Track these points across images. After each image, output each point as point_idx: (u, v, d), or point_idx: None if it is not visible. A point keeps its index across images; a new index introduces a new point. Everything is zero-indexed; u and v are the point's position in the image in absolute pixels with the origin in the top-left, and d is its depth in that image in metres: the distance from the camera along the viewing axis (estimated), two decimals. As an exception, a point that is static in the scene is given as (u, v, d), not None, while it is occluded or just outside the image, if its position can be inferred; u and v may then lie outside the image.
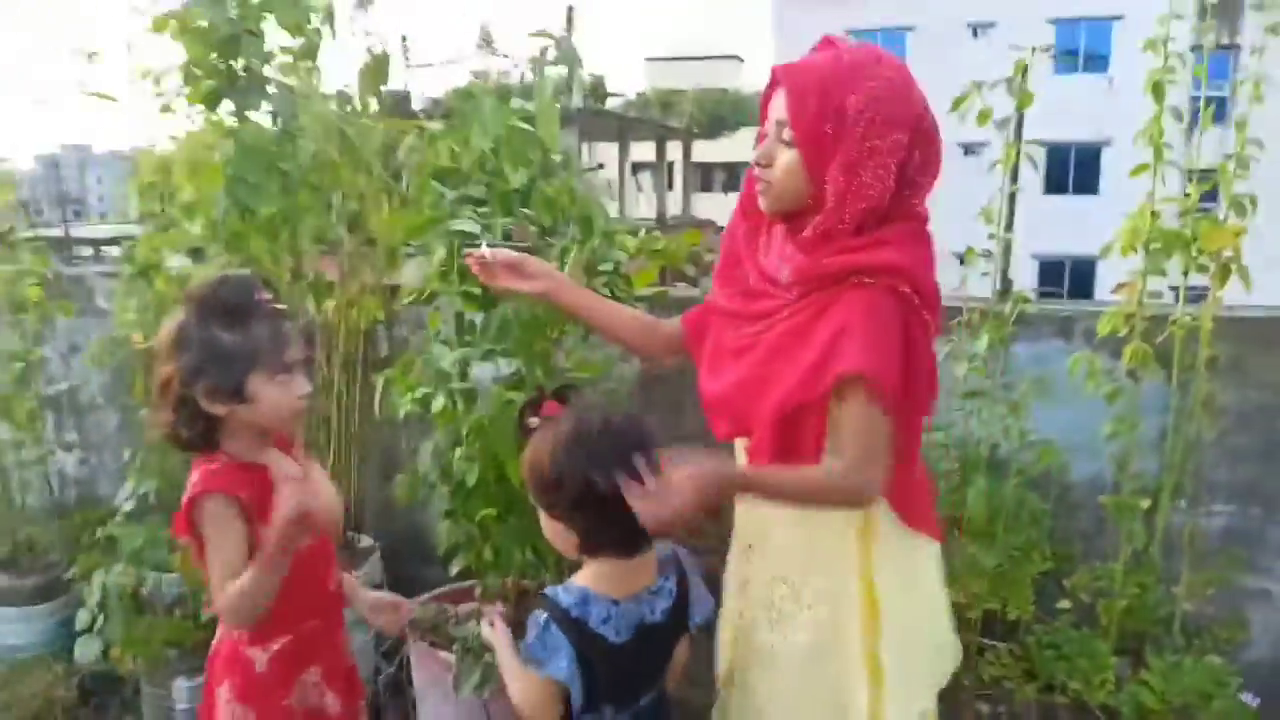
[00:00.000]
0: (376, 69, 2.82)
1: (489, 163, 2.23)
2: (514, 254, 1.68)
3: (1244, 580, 2.56)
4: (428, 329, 2.59)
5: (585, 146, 22.52)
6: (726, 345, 1.64)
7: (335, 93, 2.94)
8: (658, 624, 1.56)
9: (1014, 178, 2.55)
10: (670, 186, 31.90)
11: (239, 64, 2.60)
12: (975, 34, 26.25)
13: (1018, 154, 2.48)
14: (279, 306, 1.69)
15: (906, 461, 1.55)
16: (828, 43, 1.58)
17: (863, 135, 1.44)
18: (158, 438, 1.69)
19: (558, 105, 2.36)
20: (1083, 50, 24.88)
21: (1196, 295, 2.32)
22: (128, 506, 2.66)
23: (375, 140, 2.89)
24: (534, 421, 1.57)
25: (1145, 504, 2.34)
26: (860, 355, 1.41)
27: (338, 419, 2.97)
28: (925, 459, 1.75)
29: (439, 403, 2.18)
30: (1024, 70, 2.23)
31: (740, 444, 1.68)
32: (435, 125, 2.36)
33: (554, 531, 1.57)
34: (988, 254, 2.28)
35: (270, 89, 2.66)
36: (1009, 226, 2.61)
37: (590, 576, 1.57)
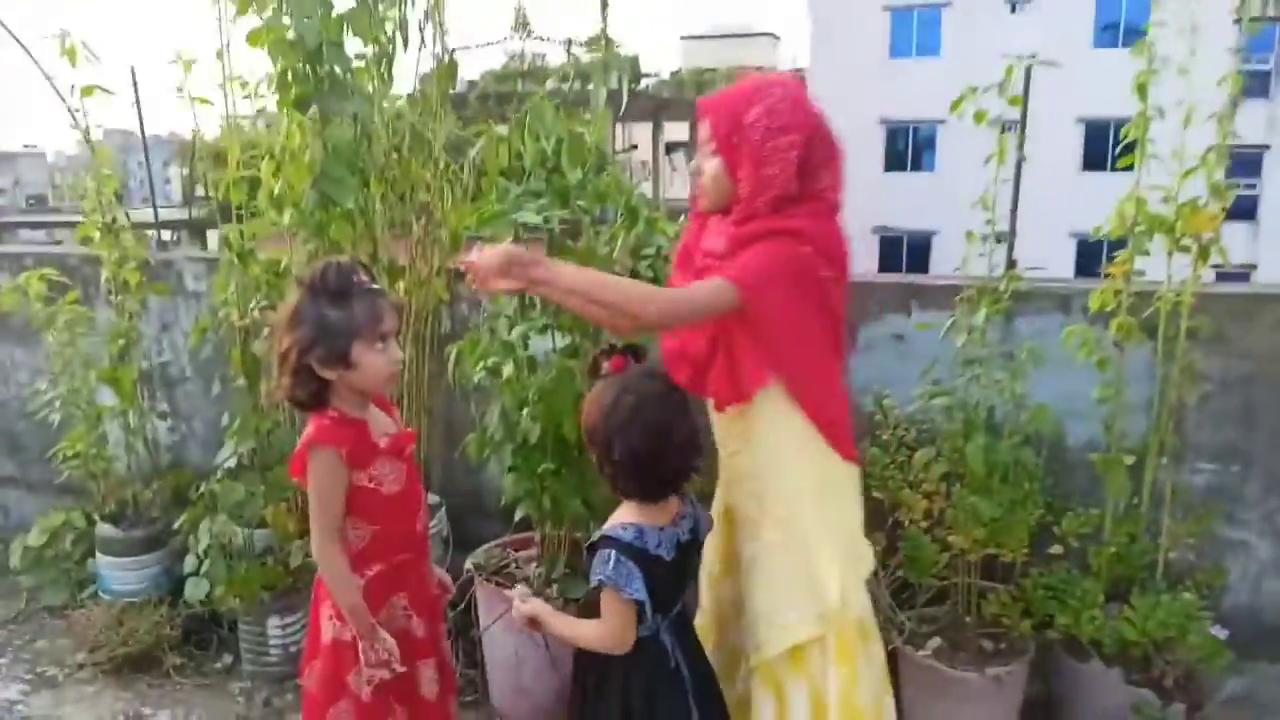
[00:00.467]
0: (445, 75, 3.15)
1: (549, 161, 2.54)
2: (500, 253, 1.83)
3: (1224, 532, 2.83)
4: (490, 306, 2.92)
5: (620, 126, 22.75)
6: None
7: (407, 95, 3.28)
8: (688, 541, 1.94)
9: (1018, 170, 2.83)
10: (704, 167, 32.00)
11: (324, 71, 2.93)
12: (1013, 9, 25.96)
13: (1021, 146, 2.75)
14: (374, 286, 2.02)
15: (837, 393, 2.03)
16: (742, 79, 2.04)
17: (761, 140, 1.89)
18: (279, 398, 2.03)
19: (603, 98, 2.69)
20: (1123, 24, 24.58)
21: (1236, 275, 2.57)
22: (230, 463, 3.02)
23: (442, 138, 3.23)
24: (605, 369, 1.91)
25: (1130, 460, 2.62)
26: (736, 269, 1.88)
27: (410, 389, 3.31)
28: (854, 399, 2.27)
29: (508, 369, 2.52)
30: (1010, 73, 2.49)
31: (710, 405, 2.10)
32: (501, 129, 2.68)
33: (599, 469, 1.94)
34: (986, 237, 2.56)
35: (350, 94, 2.99)
36: (1013, 210, 2.88)
37: (636, 512, 1.91)
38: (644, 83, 31.58)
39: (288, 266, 3.08)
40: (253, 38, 2.98)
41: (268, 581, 3.07)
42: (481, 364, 2.61)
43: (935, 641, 2.74)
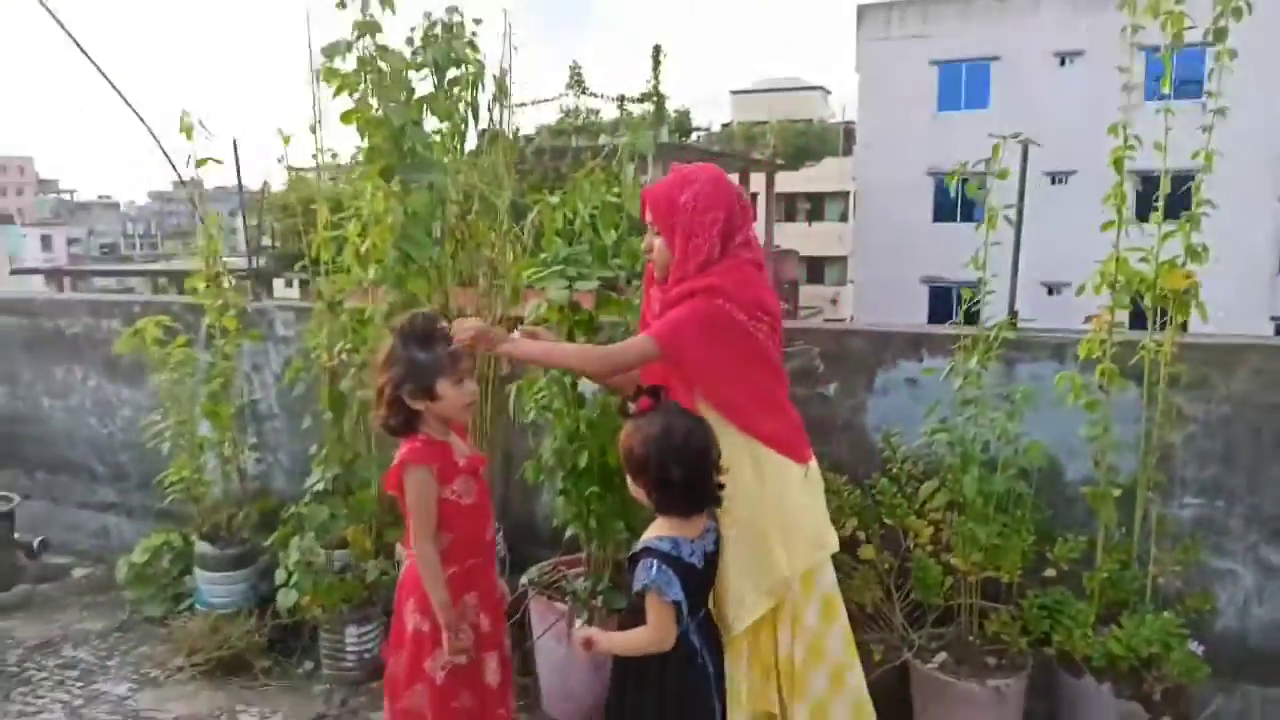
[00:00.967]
0: (509, 149, 3.59)
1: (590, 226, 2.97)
2: (472, 328, 2.42)
3: (1212, 562, 3.08)
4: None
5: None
6: None
7: (470, 151, 3.72)
8: (711, 551, 2.29)
9: (1018, 230, 3.17)
10: (753, 217, 32.47)
11: (406, 147, 3.39)
12: (1062, 63, 26.17)
13: (1020, 211, 3.10)
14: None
15: (774, 410, 2.46)
16: (674, 170, 2.54)
17: (689, 217, 2.40)
18: (377, 425, 2.43)
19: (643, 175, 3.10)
20: (1174, 77, 24.64)
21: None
22: (318, 487, 3.44)
23: (505, 203, 3.66)
24: (632, 409, 2.28)
25: (1118, 493, 2.90)
26: (661, 325, 2.41)
27: (473, 423, 3.70)
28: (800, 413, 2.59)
29: (559, 405, 2.91)
30: (997, 151, 2.85)
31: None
32: (554, 199, 3.10)
33: (637, 491, 2.30)
34: (973, 289, 2.90)
35: (428, 166, 3.44)
36: (1014, 266, 3.22)
37: (670, 526, 2.27)
38: (694, 136, 32.34)
39: (371, 315, 3.51)
40: (345, 117, 3.46)
41: (347, 594, 3.46)
42: (537, 400, 3.00)
43: (942, 656, 3.03)
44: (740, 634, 2.39)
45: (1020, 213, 3.15)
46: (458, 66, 3.59)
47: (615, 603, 3.06)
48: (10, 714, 3.37)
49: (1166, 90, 2.85)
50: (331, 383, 3.54)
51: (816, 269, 40.23)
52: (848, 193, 35.59)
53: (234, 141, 4.42)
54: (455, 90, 3.61)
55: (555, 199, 3.08)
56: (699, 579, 2.26)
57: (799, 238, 37.17)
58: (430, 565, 2.33)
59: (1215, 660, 2.91)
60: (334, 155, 3.84)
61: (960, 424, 2.90)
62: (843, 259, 37.16)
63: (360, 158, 3.52)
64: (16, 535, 4.44)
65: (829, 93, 50.79)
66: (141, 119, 4.29)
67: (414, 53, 3.55)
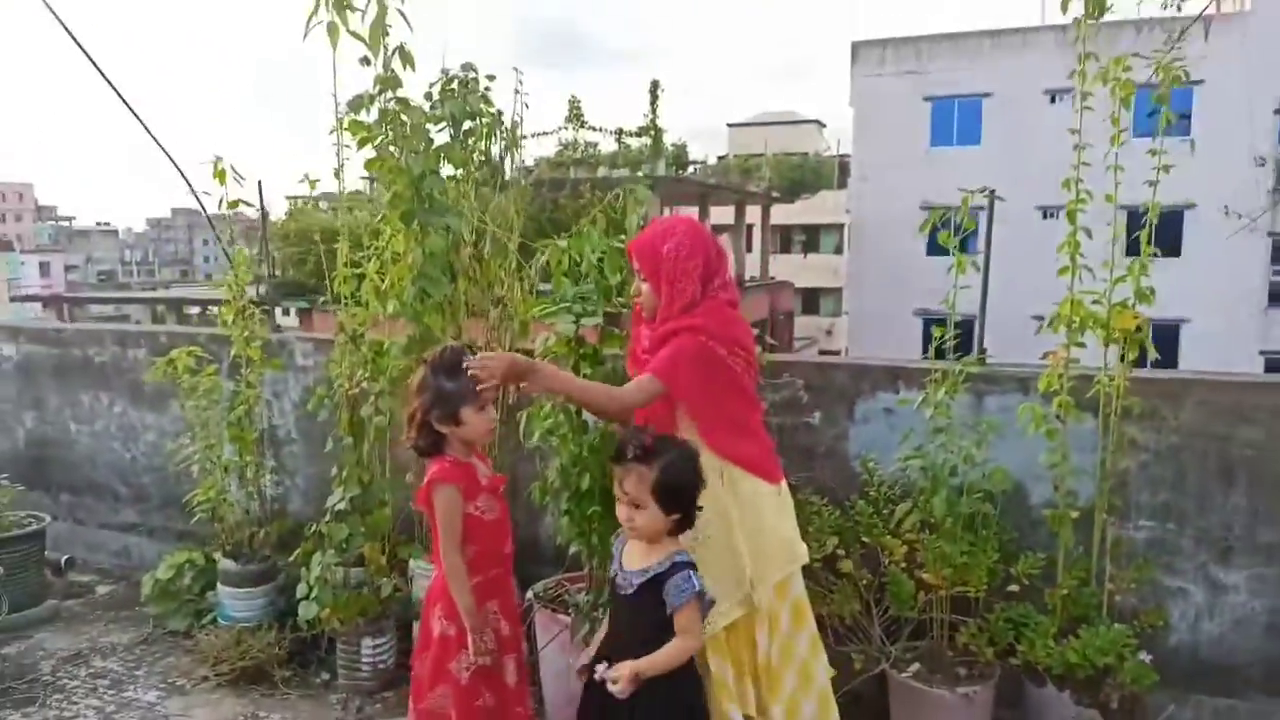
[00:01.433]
0: (520, 195, 3.89)
1: (597, 268, 3.25)
2: (505, 360, 2.62)
3: (1165, 580, 3.35)
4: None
5: (667, 210, 23.76)
6: None
7: (489, 207, 4.02)
8: None
9: (985, 271, 3.46)
10: (749, 248, 32.88)
11: (425, 193, 3.68)
12: (1053, 100, 26.69)
13: (988, 258, 3.39)
14: None
15: (748, 434, 2.76)
16: (655, 222, 2.90)
17: (672, 265, 2.71)
18: (407, 447, 2.69)
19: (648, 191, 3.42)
20: (1164, 114, 25.10)
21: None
22: (340, 506, 3.69)
23: (514, 243, 3.95)
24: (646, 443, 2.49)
25: (1076, 515, 3.17)
26: (659, 364, 2.67)
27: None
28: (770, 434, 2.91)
29: (564, 429, 3.18)
30: (966, 203, 3.14)
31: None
32: (562, 243, 3.39)
33: (653, 517, 2.42)
34: (946, 328, 3.19)
35: (445, 210, 3.73)
36: (982, 305, 3.51)
37: (676, 544, 2.50)
38: (691, 169, 32.78)
39: (389, 347, 3.79)
40: (370, 165, 3.76)
41: (363, 608, 3.71)
42: (544, 426, 3.27)
43: (916, 666, 3.28)
44: (718, 634, 2.66)
45: (987, 258, 3.44)
46: (472, 119, 3.91)
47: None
48: (49, 718, 3.60)
49: (1117, 145, 3.11)
50: (352, 410, 3.80)
51: (811, 300, 40.62)
52: (843, 225, 36.06)
53: (259, 183, 4.70)
54: (470, 141, 3.92)
55: (563, 243, 3.37)
56: None
57: (794, 269, 37.56)
58: (457, 574, 2.59)
59: (1168, 672, 3.18)
60: (342, 189, 4.13)
61: (932, 451, 3.17)
62: (837, 290, 37.55)
63: (375, 197, 3.81)
64: (45, 554, 4.68)
65: (824, 126, 51.48)
66: (167, 153, 4.60)
67: (432, 106, 3.86)
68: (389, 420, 3.84)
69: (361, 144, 3.73)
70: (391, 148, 3.76)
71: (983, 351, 3.52)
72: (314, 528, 3.81)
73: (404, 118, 3.73)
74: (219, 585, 4.16)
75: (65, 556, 4.78)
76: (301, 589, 3.76)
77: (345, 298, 4.01)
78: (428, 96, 3.89)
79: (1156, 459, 3.32)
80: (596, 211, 3.51)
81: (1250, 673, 3.30)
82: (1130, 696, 3.08)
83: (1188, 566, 3.34)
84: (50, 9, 4.53)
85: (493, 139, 3.93)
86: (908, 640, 3.37)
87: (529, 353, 3.88)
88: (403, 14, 3.72)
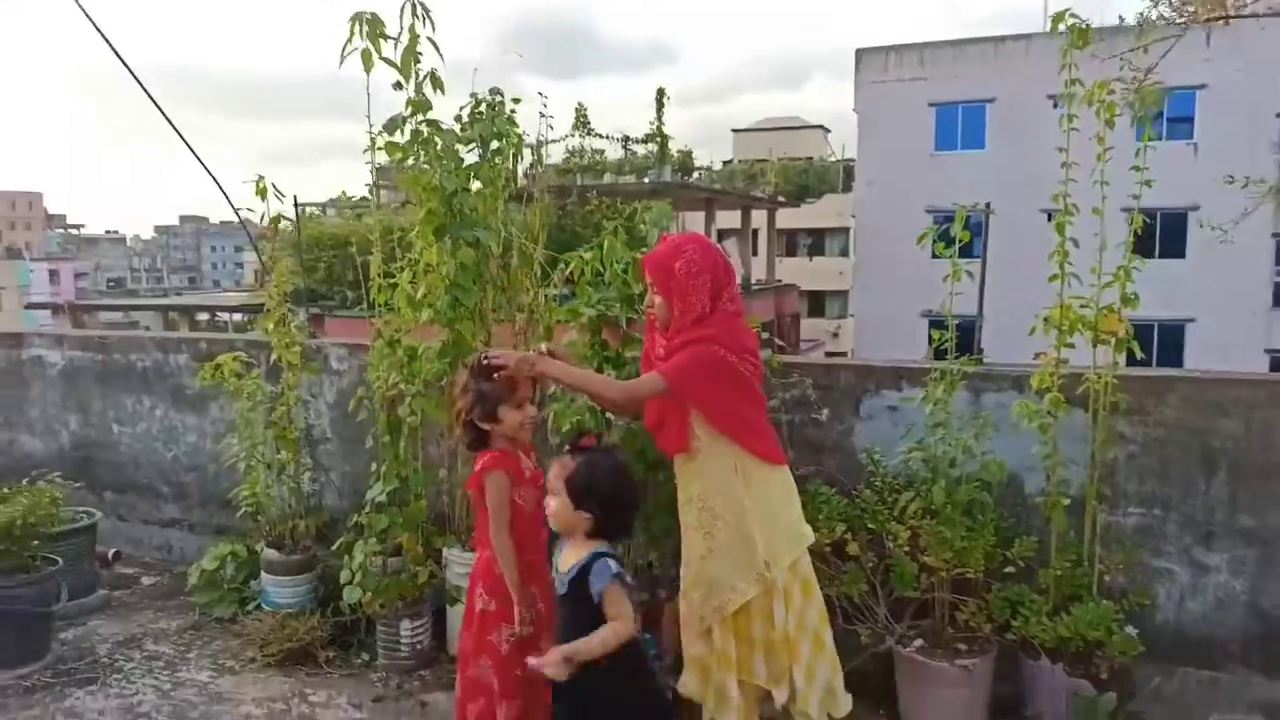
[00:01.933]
0: (544, 212, 4.16)
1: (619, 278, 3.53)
2: (518, 355, 2.94)
3: (1153, 562, 3.59)
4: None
5: (674, 215, 24.00)
6: None
7: (514, 221, 4.28)
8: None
9: (983, 277, 3.70)
10: (755, 252, 33.14)
11: (456, 208, 3.94)
12: (1055, 104, 26.81)
13: (984, 265, 3.63)
14: None
15: (757, 429, 3.03)
16: (666, 239, 3.16)
17: (684, 281, 2.95)
18: (455, 443, 2.96)
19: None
20: (1167, 117, 25.32)
21: None
22: (381, 499, 3.95)
23: (539, 254, 4.22)
24: (572, 446, 2.74)
25: (1067, 502, 3.42)
26: (668, 367, 2.94)
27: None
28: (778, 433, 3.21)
29: (590, 425, 3.44)
30: (962, 216, 3.39)
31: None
32: (588, 254, 3.65)
33: (570, 518, 2.65)
34: (946, 330, 3.44)
35: (474, 224, 3.99)
36: (979, 308, 3.75)
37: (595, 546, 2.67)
38: (696, 174, 33.04)
39: (424, 351, 4.05)
40: (404, 182, 4.03)
41: (403, 593, 3.97)
42: (572, 421, 3.54)
43: (919, 642, 3.53)
44: (736, 612, 2.96)
45: (984, 266, 3.70)
46: (499, 139, 4.18)
47: (639, 597, 3.56)
48: (110, 695, 3.86)
49: (1102, 162, 3.36)
50: (389, 411, 4.06)
51: (817, 303, 40.89)
52: (848, 228, 36.32)
53: (294, 198, 4.98)
54: (498, 160, 4.19)
55: (588, 254, 3.63)
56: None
57: (800, 272, 37.81)
58: (506, 552, 2.85)
59: (1155, 647, 3.43)
60: (376, 204, 4.40)
61: (932, 444, 3.43)
62: (843, 293, 37.79)
63: (393, 207, 4.08)
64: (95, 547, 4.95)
65: (829, 131, 51.76)
66: (205, 166, 4.89)
67: (462, 128, 4.13)
68: (420, 420, 4.12)
69: (399, 163, 4.00)
70: (424, 166, 4.04)
71: (980, 352, 3.77)
72: (355, 519, 4.07)
73: (436, 139, 4.00)
74: (263, 574, 4.43)
75: (113, 550, 5.04)
76: (344, 575, 4.02)
77: (380, 305, 4.27)
78: (457, 119, 4.17)
79: (1143, 450, 3.56)
80: (618, 224, 3.78)
81: (1231, 647, 3.53)
82: (1119, 668, 3.33)
83: (1172, 549, 3.58)
84: (85, 14, 4.82)
85: (518, 158, 4.20)
86: (911, 619, 3.62)
87: (552, 354, 4.16)
88: (433, 42, 3.99)
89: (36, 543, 4.19)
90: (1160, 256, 23.53)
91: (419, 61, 4.01)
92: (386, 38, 3.96)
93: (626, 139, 26.94)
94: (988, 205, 4.06)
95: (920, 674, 3.46)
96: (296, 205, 4.92)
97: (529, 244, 4.18)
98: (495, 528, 2.86)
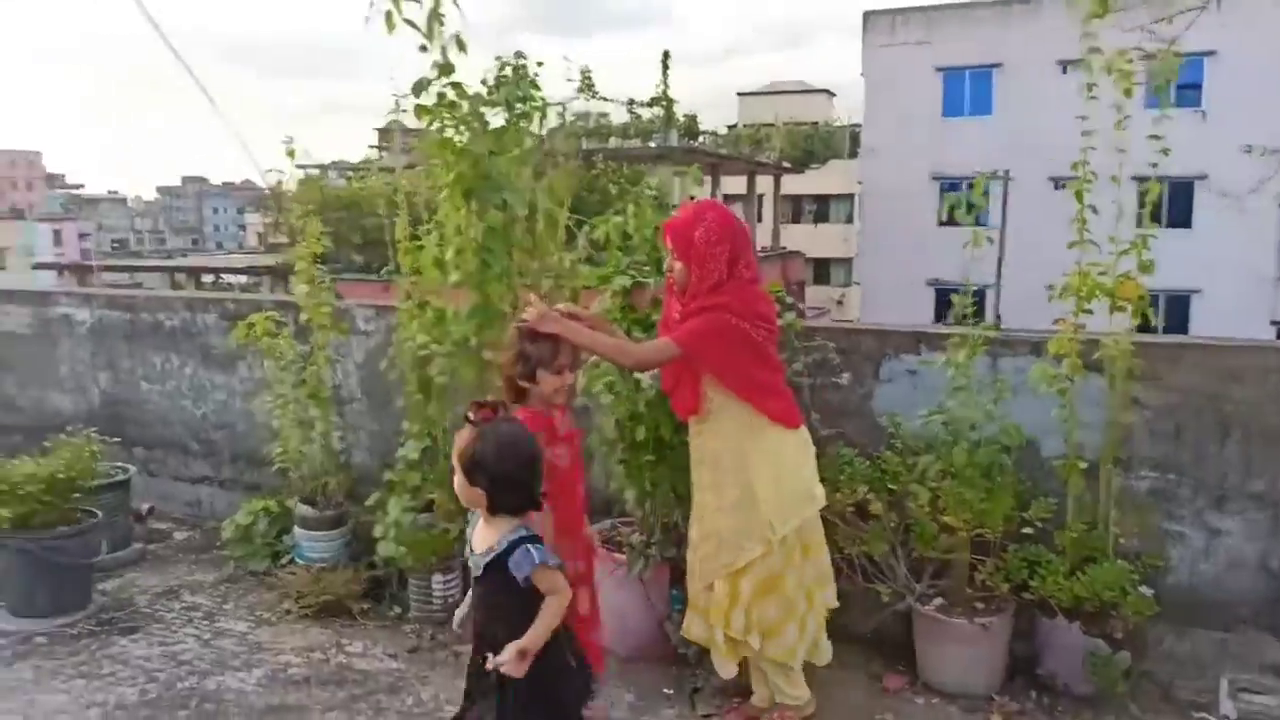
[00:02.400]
0: (568, 175, 4.23)
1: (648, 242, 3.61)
2: (540, 312, 2.93)
3: (1167, 525, 3.70)
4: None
5: (678, 180, 23.92)
6: None
7: (539, 184, 4.35)
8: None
9: (1001, 244, 3.77)
10: (760, 218, 33.05)
11: (483, 171, 4.01)
12: (1064, 70, 26.58)
13: (1003, 232, 3.70)
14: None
15: (770, 391, 3.16)
16: (686, 206, 3.32)
17: (703, 249, 3.09)
18: (500, 397, 3.05)
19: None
20: (1163, 102, 25.09)
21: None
22: (413, 456, 4.06)
23: (563, 218, 4.28)
24: (472, 416, 2.52)
25: (1084, 466, 3.52)
26: (681, 333, 3.10)
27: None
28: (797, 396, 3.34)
29: (620, 386, 3.54)
30: (983, 189, 3.46)
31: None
32: (618, 218, 3.73)
33: (469, 493, 2.47)
34: (967, 296, 3.53)
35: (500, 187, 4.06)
36: (997, 275, 3.83)
37: (502, 527, 2.47)
38: (701, 139, 32.89)
39: (454, 313, 4.13)
40: (429, 145, 4.09)
41: (436, 547, 4.09)
42: (603, 383, 3.63)
43: (939, 600, 3.65)
44: (740, 568, 3.16)
45: (1003, 235, 3.77)
46: (523, 102, 4.23)
47: (666, 552, 3.69)
48: (153, 643, 4.00)
49: (1119, 130, 3.41)
50: (419, 369, 4.16)
51: (822, 270, 40.80)
52: (853, 195, 36.19)
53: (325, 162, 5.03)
54: (522, 124, 4.24)
55: (619, 218, 3.71)
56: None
57: (805, 239, 37.70)
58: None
59: (1168, 608, 3.54)
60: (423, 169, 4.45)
61: (953, 407, 3.52)
62: (848, 260, 37.77)
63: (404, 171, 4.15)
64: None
65: (834, 95, 51.33)
66: (235, 131, 4.93)
67: (488, 91, 4.18)
68: (449, 380, 4.21)
69: (429, 125, 4.06)
70: (450, 130, 4.09)
71: (998, 318, 3.84)
72: (386, 476, 4.18)
73: (462, 103, 4.05)
74: (296, 529, 4.55)
75: (147, 505, 5.17)
76: (379, 530, 4.14)
77: (408, 268, 4.35)
78: (483, 83, 4.21)
79: (1157, 415, 3.66)
80: (648, 188, 3.84)
81: (1241, 610, 3.64)
82: (1133, 628, 3.44)
83: (1186, 513, 3.68)
84: None
85: (542, 121, 4.25)
86: (930, 579, 3.74)
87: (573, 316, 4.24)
88: (456, 3, 4.03)
89: (77, 495, 4.31)
90: (1166, 226, 23.40)
91: (442, 24, 4.05)
92: (410, -1, 3.99)
93: (631, 102, 26.82)
94: (1006, 173, 4.07)
95: (939, 631, 3.58)
96: (323, 169, 4.94)
97: (555, 207, 4.24)
98: None
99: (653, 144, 24.86)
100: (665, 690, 3.62)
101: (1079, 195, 3.44)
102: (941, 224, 28.86)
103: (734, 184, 29.95)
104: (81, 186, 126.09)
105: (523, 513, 2.51)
